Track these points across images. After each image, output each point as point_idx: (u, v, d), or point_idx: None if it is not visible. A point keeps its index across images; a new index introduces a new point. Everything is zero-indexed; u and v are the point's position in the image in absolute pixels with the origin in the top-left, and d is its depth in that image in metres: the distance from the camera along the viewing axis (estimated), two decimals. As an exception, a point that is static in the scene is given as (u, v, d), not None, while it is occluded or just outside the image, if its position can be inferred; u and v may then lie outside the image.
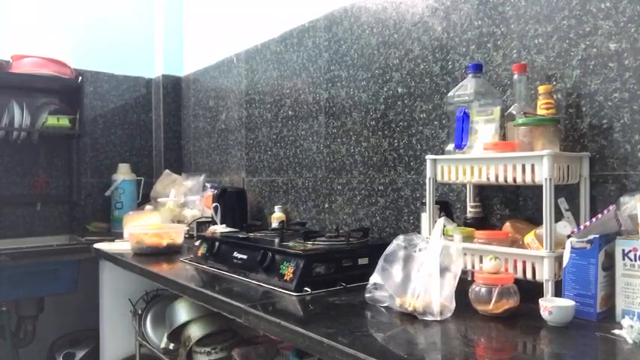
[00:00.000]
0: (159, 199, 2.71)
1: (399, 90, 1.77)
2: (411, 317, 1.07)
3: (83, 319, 2.66)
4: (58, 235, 2.84)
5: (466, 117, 1.31)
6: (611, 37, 1.22)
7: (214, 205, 2.23)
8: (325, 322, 1.06)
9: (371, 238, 1.68)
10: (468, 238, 1.27)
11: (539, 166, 1.11)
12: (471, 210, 1.46)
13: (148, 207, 2.66)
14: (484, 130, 1.28)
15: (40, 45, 2.73)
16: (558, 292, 1.09)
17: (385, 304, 1.14)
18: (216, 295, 1.36)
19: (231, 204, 2.32)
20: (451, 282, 1.09)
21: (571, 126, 1.30)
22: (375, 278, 1.16)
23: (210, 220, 2.31)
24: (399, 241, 1.18)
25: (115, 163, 3.05)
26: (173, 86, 3.25)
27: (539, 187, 1.12)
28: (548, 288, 1.11)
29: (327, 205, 2.07)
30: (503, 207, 1.46)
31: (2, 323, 2.38)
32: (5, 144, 2.71)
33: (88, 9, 3.02)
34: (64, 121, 2.75)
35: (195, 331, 1.80)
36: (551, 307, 1.00)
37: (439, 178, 1.33)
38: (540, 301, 1.03)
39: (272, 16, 2.45)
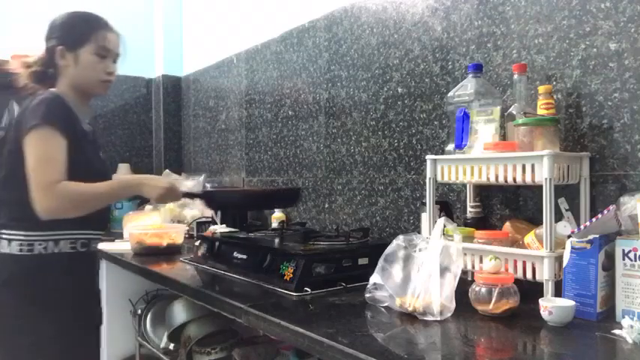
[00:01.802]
0: (159, 199, 2.71)
1: (399, 90, 1.77)
2: (411, 317, 1.07)
3: (83, 319, 2.65)
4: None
5: (466, 117, 1.31)
6: (611, 37, 1.22)
7: (214, 205, 2.23)
8: (325, 322, 1.06)
9: (371, 238, 1.68)
10: (468, 238, 1.27)
11: (539, 166, 1.11)
12: (471, 210, 1.46)
13: (148, 207, 2.66)
14: (484, 130, 1.28)
15: (40, 45, 2.72)
16: (558, 292, 1.09)
17: (385, 304, 1.14)
18: (216, 295, 1.36)
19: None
20: (451, 282, 1.09)
21: (571, 126, 1.30)
22: (375, 278, 1.16)
23: (210, 220, 2.31)
24: (399, 241, 1.18)
25: (115, 163, 3.05)
26: (173, 86, 3.25)
27: (539, 187, 1.12)
28: (548, 288, 1.11)
29: (327, 205, 2.07)
30: (503, 207, 1.46)
31: (2, 323, 2.38)
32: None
33: (88, 9, 3.01)
34: (64, 121, 2.74)
35: (195, 331, 1.80)
36: (551, 307, 1.00)
37: (439, 178, 1.33)
38: (540, 301, 1.03)
39: (272, 16, 2.45)
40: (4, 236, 1.37)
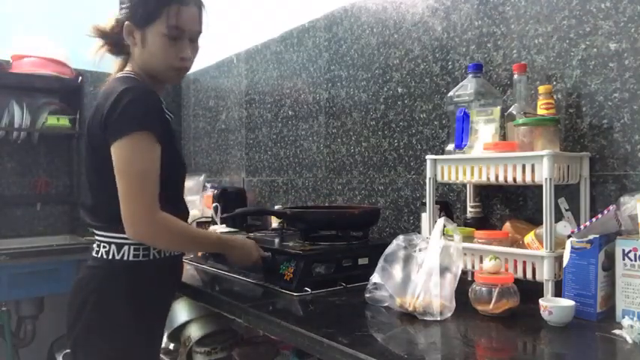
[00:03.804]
0: (159, 199, 2.70)
1: (399, 90, 1.77)
2: (411, 317, 1.07)
3: (83, 319, 2.65)
4: (58, 235, 2.84)
5: (466, 117, 1.31)
6: (611, 37, 1.22)
7: (214, 205, 2.23)
8: (325, 322, 1.06)
9: (371, 238, 1.68)
10: (468, 238, 1.27)
11: (539, 166, 1.11)
12: (471, 210, 1.46)
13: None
14: (484, 130, 1.28)
15: (40, 45, 2.73)
16: (558, 292, 1.09)
17: (385, 304, 1.14)
18: (216, 295, 1.36)
19: (231, 204, 2.32)
20: (451, 282, 1.09)
21: (571, 126, 1.30)
22: (375, 278, 1.16)
23: (210, 220, 2.30)
24: (399, 241, 1.18)
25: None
26: (173, 86, 3.24)
27: (540, 187, 1.12)
28: (548, 288, 1.11)
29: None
30: (503, 207, 1.46)
31: (2, 323, 2.38)
32: (5, 144, 2.71)
33: (88, 8, 3.01)
34: (64, 121, 2.75)
35: (195, 331, 1.80)
36: (551, 307, 1.00)
37: (439, 178, 1.33)
38: (540, 301, 1.03)
39: (272, 16, 2.45)
40: (107, 240, 1.20)
